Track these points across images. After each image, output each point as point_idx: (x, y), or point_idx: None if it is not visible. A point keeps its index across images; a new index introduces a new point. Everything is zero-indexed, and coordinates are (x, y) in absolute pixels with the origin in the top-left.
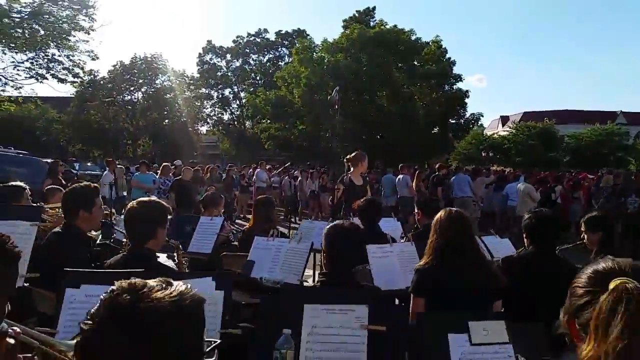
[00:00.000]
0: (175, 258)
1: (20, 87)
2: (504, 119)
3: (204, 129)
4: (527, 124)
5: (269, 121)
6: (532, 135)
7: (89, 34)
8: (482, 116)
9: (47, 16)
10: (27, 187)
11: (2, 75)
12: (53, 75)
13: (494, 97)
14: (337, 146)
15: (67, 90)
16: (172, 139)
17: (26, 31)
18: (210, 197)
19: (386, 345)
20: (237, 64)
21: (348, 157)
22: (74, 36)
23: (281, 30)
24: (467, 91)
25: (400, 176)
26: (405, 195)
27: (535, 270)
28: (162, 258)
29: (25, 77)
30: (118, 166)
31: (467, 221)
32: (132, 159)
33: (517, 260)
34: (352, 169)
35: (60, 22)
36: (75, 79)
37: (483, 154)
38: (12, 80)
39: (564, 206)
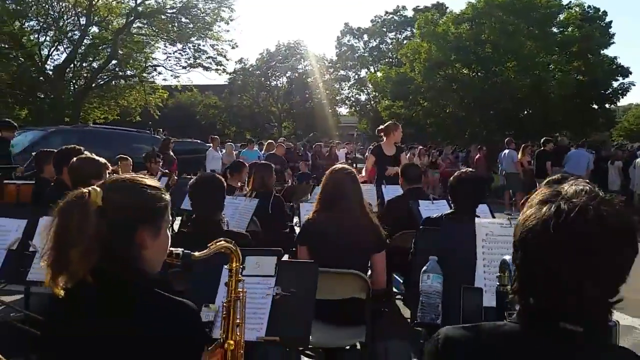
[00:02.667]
0: None
1: (178, 76)
2: None
3: (343, 110)
4: None
5: (389, 100)
6: None
7: (228, 24)
8: (634, 85)
9: (194, 10)
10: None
11: (162, 66)
12: (200, 65)
13: None
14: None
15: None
16: (313, 120)
17: (175, 25)
18: (234, 164)
19: None
20: (374, 43)
21: (380, 127)
22: (219, 26)
23: (419, 6)
24: (614, 58)
25: (506, 151)
26: (512, 171)
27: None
28: None
29: (181, 67)
30: (228, 143)
31: (347, 179)
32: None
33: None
34: (384, 138)
35: (204, 14)
36: (219, 67)
37: None
38: (170, 70)
39: None
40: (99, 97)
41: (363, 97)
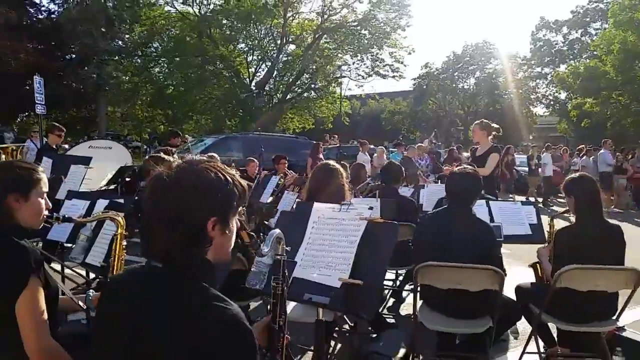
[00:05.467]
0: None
1: (362, 86)
2: None
3: (539, 110)
4: None
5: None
6: None
7: (404, 30)
8: None
9: (373, 21)
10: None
11: (348, 77)
12: (377, 73)
13: None
14: None
15: (408, 85)
16: (503, 122)
17: (355, 38)
18: (275, 156)
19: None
20: (575, 35)
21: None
22: (398, 34)
23: None
24: None
25: (602, 150)
26: (604, 171)
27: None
28: None
29: (360, 77)
30: (380, 147)
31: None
32: (464, 142)
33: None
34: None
35: (384, 24)
36: (396, 74)
37: None
38: (355, 80)
39: None
40: (294, 109)
41: (563, 95)
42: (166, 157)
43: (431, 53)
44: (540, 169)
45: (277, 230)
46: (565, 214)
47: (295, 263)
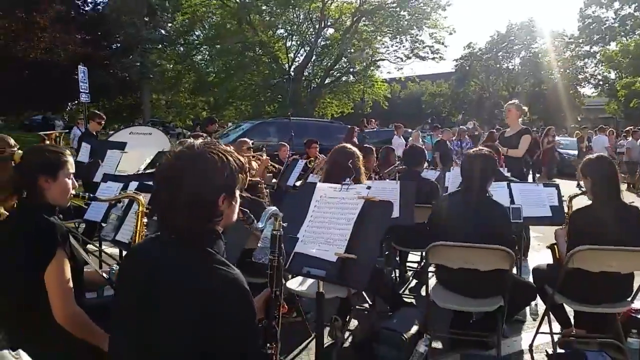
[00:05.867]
0: None
1: (401, 68)
2: None
3: (587, 90)
4: None
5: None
6: None
7: (445, 10)
8: None
9: (413, 1)
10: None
11: (387, 60)
12: (416, 55)
13: None
14: None
15: (450, 66)
16: (548, 103)
17: (394, 19)
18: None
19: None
20: (628, 11)
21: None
22: (439, 14)
23: None
24: None
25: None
26: None
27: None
28: None
29: (399, 60)
30: (414, 131)
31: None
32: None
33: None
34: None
35: (423, 4)
36: (436, 55)
37: None
38: (395, 63)
39: None
40: (332, 93)
41: (613, 75)
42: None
43: (474, 33)
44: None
45: (273, 208)
46: (584, 195)
47: (297, 239)
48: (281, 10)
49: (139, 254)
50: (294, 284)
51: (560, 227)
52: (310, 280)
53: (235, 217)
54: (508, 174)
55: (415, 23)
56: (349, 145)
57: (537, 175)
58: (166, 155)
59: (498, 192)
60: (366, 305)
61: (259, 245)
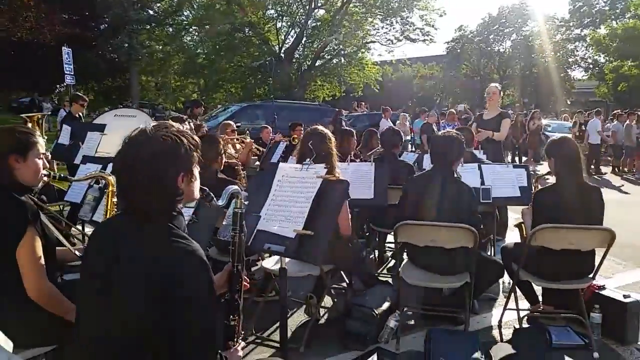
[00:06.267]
0: None
1: (392, 51)
2: None
3: (577, 74)
4: None
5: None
6: None
7: None
8: None
9: None
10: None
11: (378, 42)
12: (407, 38)
13: None
14: None
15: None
16: (539, 86)
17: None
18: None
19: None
20: None
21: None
22: None
23: None
24: None
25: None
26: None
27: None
28: None
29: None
30: (402, 114)
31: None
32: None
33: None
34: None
35: None
36: (426, 37)
37: None
38: (385, 45)
39: None
40: (323, 76)
41: (603, 59)
42: (174, 123)
43: (466, 16)
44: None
45: (234, 187)
46: (547, 176)
47: (260, 217)
48: None
49: (103, 229)
50: (270, 263)
51: (527, 206)
52: (285, 260)
53: (196, 193)
54: (483, 156)
55: (406, 5)
56: (321, 127)
57: (524, 158)
58: (123, 142)
59: (469, 173)
60: (344, 284)
61: (223, 223)
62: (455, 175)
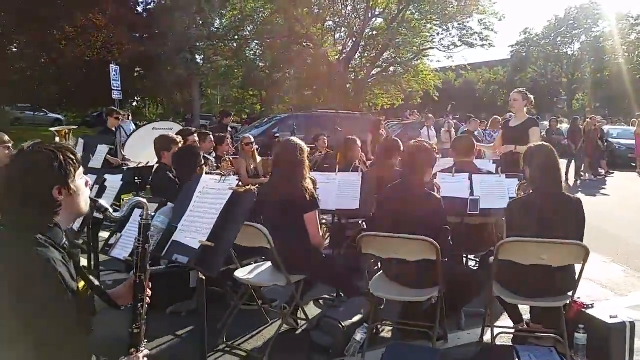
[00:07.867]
0: None
1: (451, 57)
2: None
3: None
4: None
5: None
6: None
7: None
8: None
9: None
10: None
11: (436, 49)
12: (465, 43)
13: None
14: None
15: (506, 53)
16: (611, 90)
17: (440, 7)
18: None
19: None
20: None
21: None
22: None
23: None
24: None
25: None
26: None
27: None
28: None
29: (446, 48)
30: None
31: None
32: (567, 113)
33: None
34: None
35: None
36: (485, 42)
37: None
38: (443, 52)
39: None
40: (380, 84)
41: None
42: (173, 137)
43: (530, 18)
44: None
45: (138, 198)
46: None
47: (176, 228)
48: (329, 2)
49: None
50: (242, 273)
51: None
52: (258, 270)
53: (84, 205)
54: (492, 166)
55: (463, 9)
56: (293, 139)
57: (583, 165)
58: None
59: (456, 183)
60: (334, 295)
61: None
62: (435, 181)
